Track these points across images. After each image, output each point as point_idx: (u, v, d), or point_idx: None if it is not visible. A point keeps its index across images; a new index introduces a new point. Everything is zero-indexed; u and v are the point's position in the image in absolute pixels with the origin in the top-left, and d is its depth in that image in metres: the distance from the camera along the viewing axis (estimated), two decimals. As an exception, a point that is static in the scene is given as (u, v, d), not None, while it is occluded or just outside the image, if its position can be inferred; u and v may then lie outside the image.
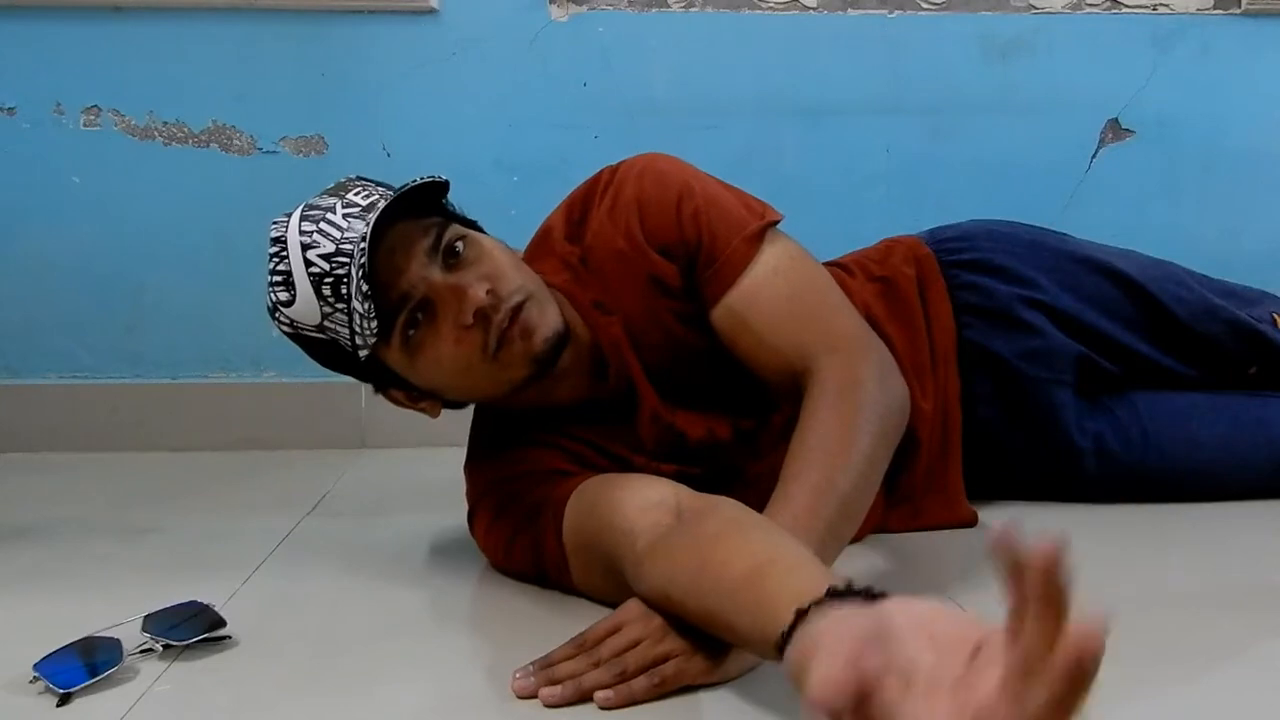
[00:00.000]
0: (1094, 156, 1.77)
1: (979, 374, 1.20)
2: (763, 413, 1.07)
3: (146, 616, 0.85)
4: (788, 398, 1.00)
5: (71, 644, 0.80)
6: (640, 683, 0.74)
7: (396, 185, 0.95)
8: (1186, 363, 1.25)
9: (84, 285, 1.71)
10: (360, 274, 0.88)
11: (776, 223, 1.05)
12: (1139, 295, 1.23)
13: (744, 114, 1.72)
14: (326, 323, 0.93)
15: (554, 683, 0.75)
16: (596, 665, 0.76)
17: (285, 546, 1.15)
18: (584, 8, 1.70)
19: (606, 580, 0.90)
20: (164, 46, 1.68)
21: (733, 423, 1.08)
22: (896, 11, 1.73)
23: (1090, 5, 1.76)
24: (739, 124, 1.72)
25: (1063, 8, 1.75)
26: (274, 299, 0.95)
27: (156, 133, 1.70)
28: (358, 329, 0.91)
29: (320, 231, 0.92)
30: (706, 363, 1.05)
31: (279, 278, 0.94)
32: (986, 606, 0.91)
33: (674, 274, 1.03)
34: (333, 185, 0.99)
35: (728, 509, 0.84)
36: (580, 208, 1.08)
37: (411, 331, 0.94)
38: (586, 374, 1.05)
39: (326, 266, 0.91)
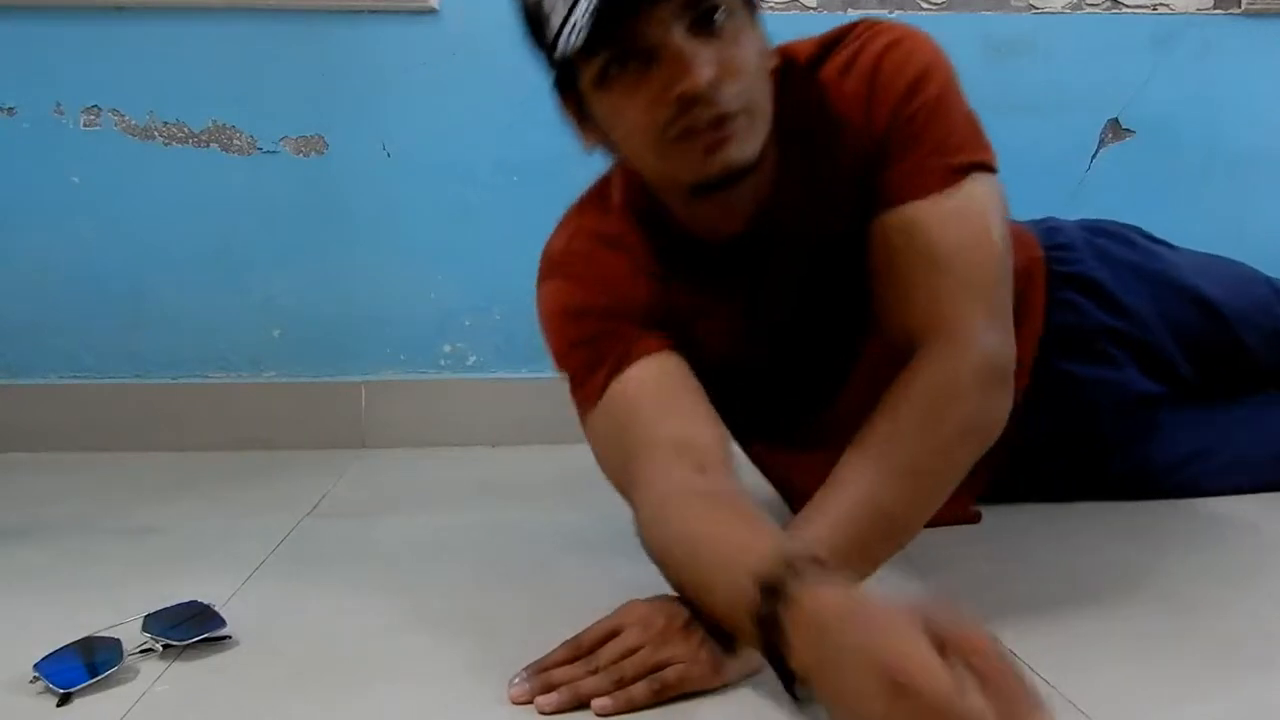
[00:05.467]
0: (1094, 156, 1.77)
1: (1045, 386, 1.15)
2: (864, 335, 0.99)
3: (146, 616, 0.85)
4: (889, 343, 0.92)
5: (71, 644, 0.80)
6: (640, 688, 0.73)
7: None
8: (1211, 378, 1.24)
9: (84, 285, 1.71)
10: None
11: (988, 168, 0.93)
12: (1224, 333, 1.21)
13: (744, 114, 1.72)
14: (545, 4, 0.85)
15: (550, 688, 0.73)
16: (594, 672, 0.74)
17: (285, 546, 1.15)
18: (584, 8, 1.70)
19: (609, 453, 0.93)
20: (164, 46, 1.68)
21: (836, 321, 1.01)
22: (896, 11, 1.73)
23: (1090, 5, 1.75)
24: (739, 124, 1.72)
25: (1063, 8, 1.75)
26: None
27: (156, 133, 1.70)
28: (569, 26, 0.81)
29: None
30: (849, 253, 0.95)
31: None
32: (986, 606, 0.92)
33: (872, 155, 0.93)
34: None
35: (732, 493, 0.84)
36: (821, 52, 0.96)
37: (615, 69, 0.84)
38: (746, 212, 0.95)
39: None
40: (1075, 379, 1.17)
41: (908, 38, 0.94)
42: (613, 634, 0.77)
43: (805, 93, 0.94)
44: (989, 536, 1.14)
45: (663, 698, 0.73)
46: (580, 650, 0.77)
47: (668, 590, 0.81)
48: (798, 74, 0.95)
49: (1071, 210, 1.74)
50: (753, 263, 0.98)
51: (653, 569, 0.82)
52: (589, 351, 0.97)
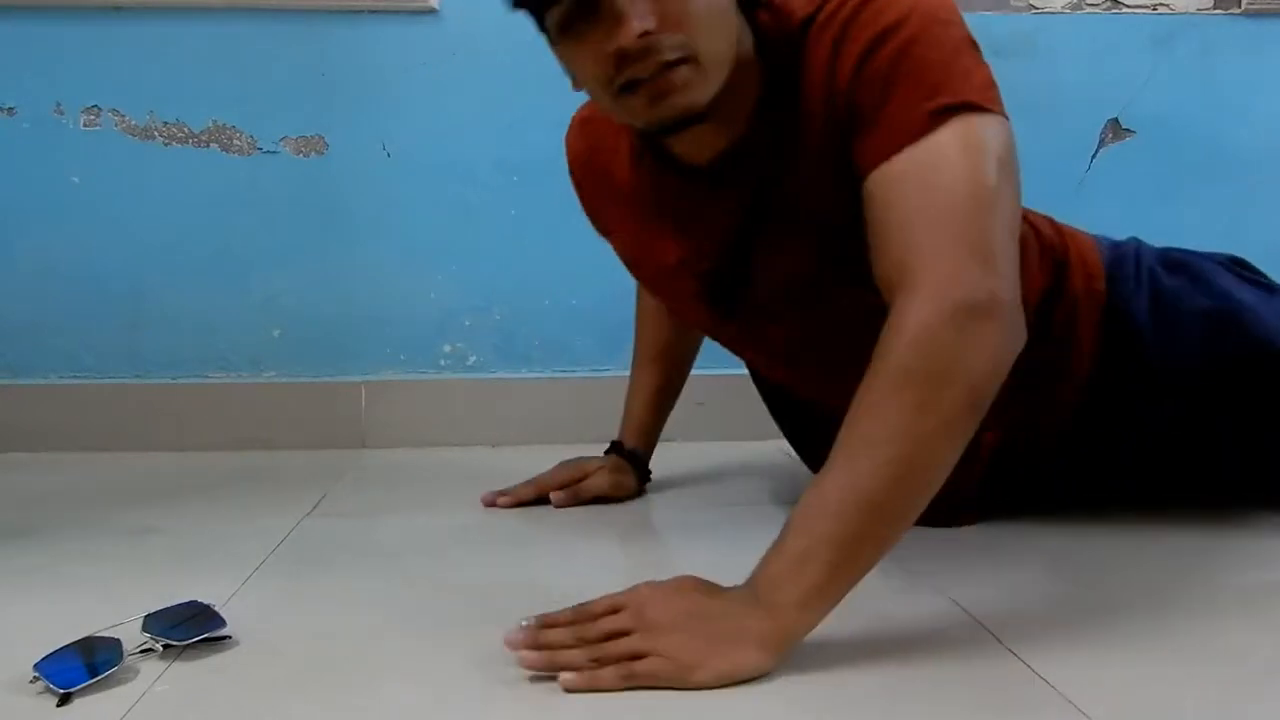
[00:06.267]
0: (1094, 156, 1.77)
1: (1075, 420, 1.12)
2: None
3: (146, 616, 0.85)
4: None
5: (71, 644, 0.80)
6: (609, 673, 0.74)
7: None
8: None
9: (84, 285, 1.72)
10: None
11: (977, 108, 0.85)
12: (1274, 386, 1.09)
13: (744, 114, 1.72)
14: None
15: (539, 647, 0.76)
16: (582, 646, 0.76)
17: (285, 546, 1.15)
18: (584, 8, 1.70)
19: None
20: (164, 46, 1.69)
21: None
22: (896, 11, 1.73)
23: (1090, 5, 1.76)
24: (739, 124, 1.72)
25: (1063, 8, 1.75)
26: None
27: (156, 133, 1.70)
28: None
29: None
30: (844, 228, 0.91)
31: None
32: (986, 604, 0.92)
33: (841, 118, 0.89)
34: None
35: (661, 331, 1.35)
36: (815, 9, 0.92)
37: (572, 19, 0.86)
38: (717, 146, 0.97)
39: None
40: (1101, 421, 1.12)
41: None
42: (614, 610, 0.78)
43: (785, 49, 0.93)
44: (988, 535, 1.14)
45: (629, 685, 0.74)
46: (583, 616, 0.79)
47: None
48: (787, 29, 0.93)
49: (1071, 210, 1.75)
50: (708, 194, 1.00)
51: (656, 575, 0.82)
52: None
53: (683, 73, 0.85)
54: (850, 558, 0.77)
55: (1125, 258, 1.14)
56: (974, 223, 0.81)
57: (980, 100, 0.85)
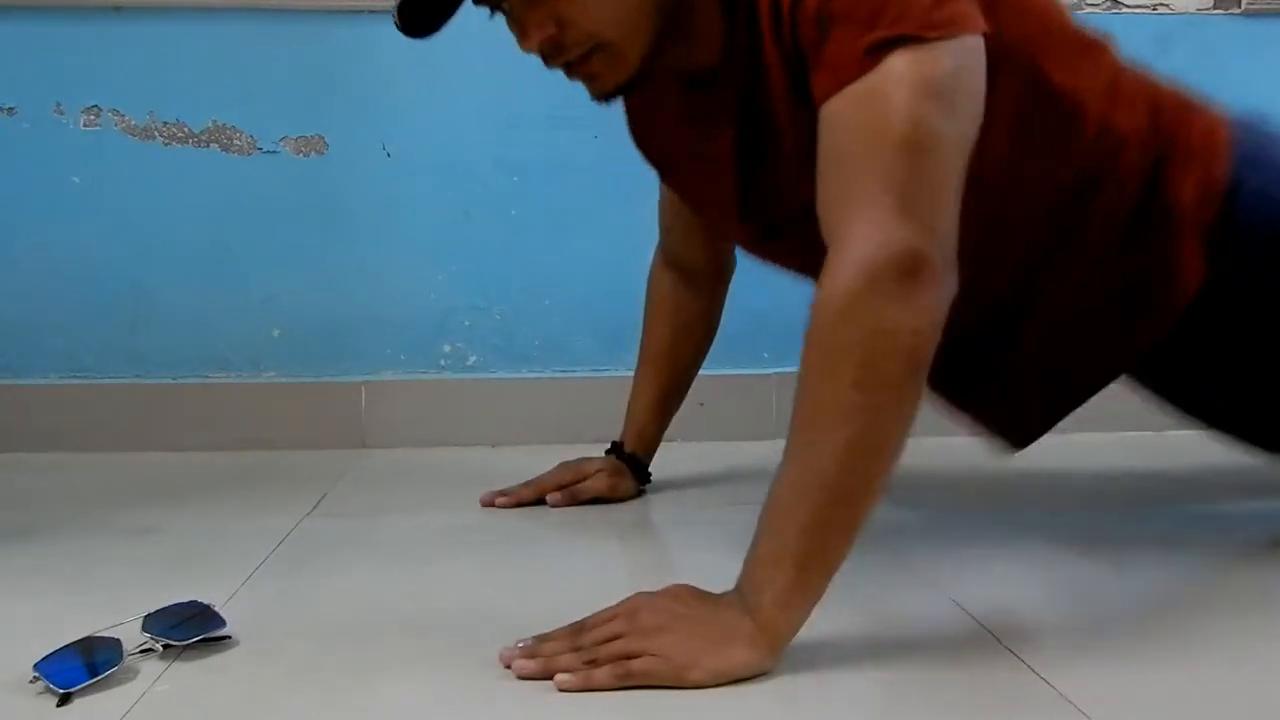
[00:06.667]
0: (1094, 156, 1.76)
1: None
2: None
3: (146, 616, 0.85)
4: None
5: (71, 644, 0.80)
6: (603, 672, 0.75)
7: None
8: None
9: (84, 285, 1.71)
10: None
11: (913, 39, 0.78)
12: None
13: (744, 114, 1.72)
14: None
15: (534, 658, 0.78)
16: (577, 650, 0.77)
17: (285, 546, 1.15)
18: (584, 8, 1.70)
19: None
20: (164, 46, 1.68)
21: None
22: (896, 11, 1.73)
23: (1090, 5, 1.76)
24: (739, 124, 1.72)
25: (1063, 8, 1.75)
26: None
27: (156, 133, 1.70)
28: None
29: None
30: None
31: None
32: (985, 604, 0.92)
33: (790, 54, 0.86)
34: None
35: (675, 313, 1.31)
36: None
37: (508, 24, 0.94)
38: (694, 65, 0.96)
39: None
40: (1175, 362, 1.05)
41: None
42: (609, 620, 0.79)
43: None
44: (988, 535, 1.14)
45: (624, 684, 0.75)
46: (579, 630, 0.80)
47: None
48: None
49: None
50: (710, 100, 0.99)
51: (656, 574, 0.82)
52: None
53: (596, 62, 0.90)
54: (819, 549, 0.77)
55: (1270, 150, 1.01)
56: (904, 171, 0.77)
57: (922, 29, 0.78)
